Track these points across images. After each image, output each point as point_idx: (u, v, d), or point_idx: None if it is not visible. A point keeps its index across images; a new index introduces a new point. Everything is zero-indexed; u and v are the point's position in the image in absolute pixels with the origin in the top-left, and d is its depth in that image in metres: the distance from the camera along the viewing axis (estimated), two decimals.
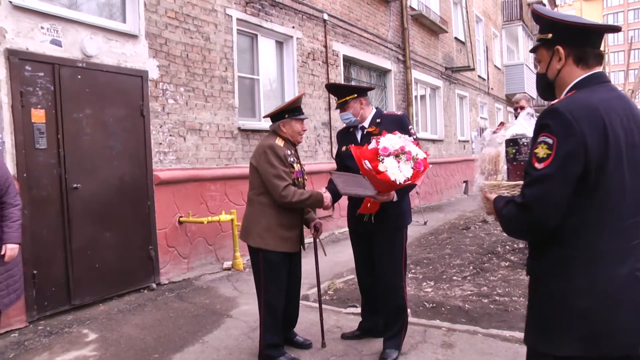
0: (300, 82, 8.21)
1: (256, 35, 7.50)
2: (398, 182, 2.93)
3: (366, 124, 3.53)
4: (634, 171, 1.59)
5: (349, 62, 9.96)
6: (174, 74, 5.86)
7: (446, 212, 11.78)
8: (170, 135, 5.79)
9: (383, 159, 2.96)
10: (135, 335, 4.12)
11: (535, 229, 1.60)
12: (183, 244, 5.90)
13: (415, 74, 12.52)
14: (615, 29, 1.78)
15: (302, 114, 3.54)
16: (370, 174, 2.99)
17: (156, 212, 5.52)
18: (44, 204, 4.48)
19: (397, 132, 3.16)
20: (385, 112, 3.61)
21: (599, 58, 1.69)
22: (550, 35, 1.72)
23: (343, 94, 3.50)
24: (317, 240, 3.71)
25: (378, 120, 3.50)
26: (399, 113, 3.62)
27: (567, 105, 1.56)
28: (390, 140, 3.03)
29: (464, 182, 15.79)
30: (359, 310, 4.59)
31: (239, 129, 6.85)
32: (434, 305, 4.67)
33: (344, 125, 3.68)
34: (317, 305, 4.72)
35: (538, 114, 2.13)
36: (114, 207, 5.07)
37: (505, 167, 2.03)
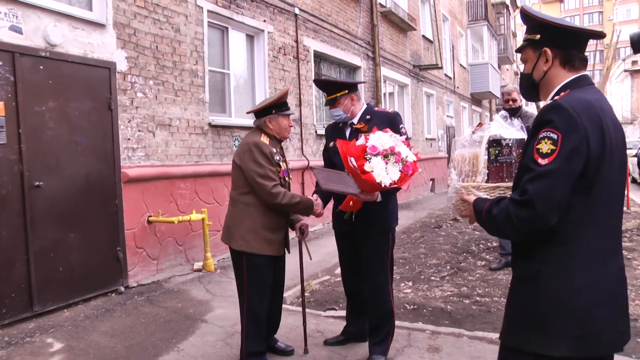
0: (271, 77, 8.02)
1: (227, 28, 7.26)
2: (383, 185, 2.78)
3: (355, 120, 3.40)
4: (620, 170, 1.63)
5: (319, 57, 9.83)
6: (143, 66, 5.57)
7: (415, 210, 11.82)
8: (139, 130, 5.50)
9: (370, 158, 2.80)
10: (104, 343, 3.86)
11: (537, 226, 1.57)
12: (152, 244, 5.64)
13: (385, 71, 12.50)
14: (600, 35, 1.80)
15: (289, 109, 3.39)
16: (355, 172, 2.83)
17: (124, 212, 5.24)
18: (2, 203, 4.15)
19: (388, 129, 3.03)
20: (376, 108, 3.49)
21: (584, 62, 1.71)
22: (538, 36, 1.73)
23: (333, 90, 3.35)
24: (303, 243, 3.56)
25: (368, 117, 3.38)
26: (391, 110, 3.50)
27: (570, 102, 1.56)
28: (381, 139, 2.88)
29: (431, 180, 15.93)
30: (338, 313, 4.50)
31: (210, 124, 6.61)
32: (415, 307, 4.61)
33: (333, 120, 3.55)
34: (295, 308, 4.60)
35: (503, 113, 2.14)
36: (79, 206, 4.77)
37: (485, 168, 1.97)
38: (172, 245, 5.95)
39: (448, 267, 6.00)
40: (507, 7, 26.37)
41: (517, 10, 33.97)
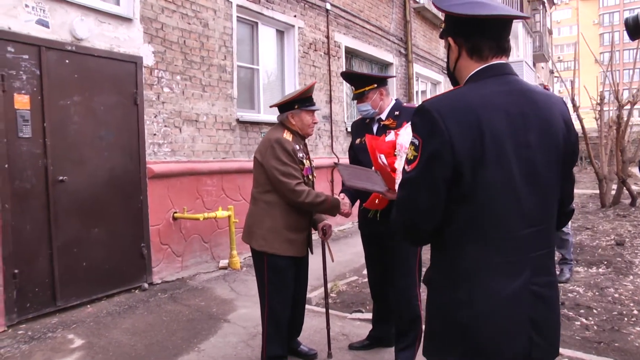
0: (301, 74, 7.89)
1: (256, 23, 7.16)
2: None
3: (383, 115, 3.23)
4: (531, 174, 1.43)
5: (350, 54, 9.64)
6: (170, 61, 5.51)
7: None
8: (165, 125, 5.44)
9: (402, 156, 2.64)
10: (125, 341, 3.80)
11: (410, 233, 1.53)
12: (177, 241, 5.58)
13: (417, 68, 12.22)
14: (520, 17, 1.59)
15: (314, 104, 3.23)
16: (384, 169, 2.64)
17: (149, 208, 5.19)
18: (27, 198, 4.14)
19: None
20: (405, 104, 3.31)
21: (500, 49, 1.52)
22: (443, 25, 1.60)
23: (362, 83, 3.18)
24: (325, 243, 3.40)
25: (396, 113, 3.20)
26: None
27: (435, 103, 1.44)
28: (411, 135, 2.70)
29: None
30: (365, 315, 4.33)
31: (238, 120, 6.52)
32: None
33: (359, 116, 3.39)
34: (320, 309, 4.45)
35: None
36: (103, 202, 4.74)
37: None
38: (198, 242, 5.88)
39: None
40: (543, 3, 25.56)
41: (554, 7, 33.01)
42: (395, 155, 2.64)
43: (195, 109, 5.84)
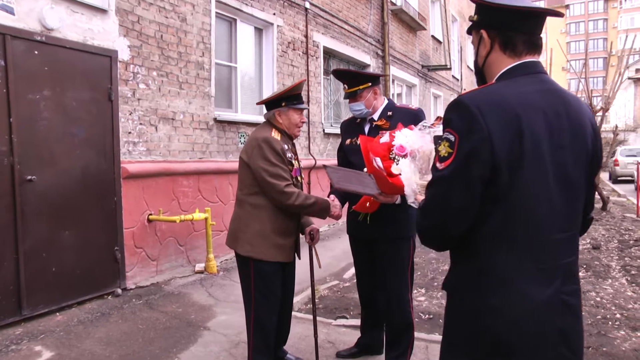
0: (279, 73, 7.73)
1: (235, 20, 6.96)
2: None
3: (376, 116, 3.10)
4: (563, 178, 1.39)
5: (328, 54, 9.54)
6: (147, 56, 5.27)
7: None
8: (141, 123, 5.20)
9: (398, 160, 2.50)
10: (99, 352, 3.56)
11: (437, 237, 1.44)
12: (152, 244, 5.34)
13: (394, 70, 12.20)
14: (555, 13, 1.50)
15: (302, 102, 3.07)
16: (379, 173, 2.50)
17: (123, 209, 4.93)
18: None
19: (412, 126, 2.72)
20: (398, 104, 3.19)
21: (533, 46, 1.47)
22: (476, 17, 1.52)
23: (356, 81, 3.04)
24: (313, 248, 3.25)
25: (389, 113, 3.08)
26: (414, 107, 3.18)
27: (474, 98, 1.36)
28: (408, 138, 2.54)
29: None
30: (350, 322, 4.21)
31: (215, 119, 6.31)
32: (431, 316, 4.32)
33: (350, 115, 3.26)
34: (303, 315, 4.31)
35: None
36: (75, 203, 4.47)
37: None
38: (173, 245, 5.65)
39: None
40: None
41: None
42: (391, 159, 2.51)
43: (171, 106, 5.62)
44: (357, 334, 3.81)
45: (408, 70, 13.35)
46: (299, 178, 3.07)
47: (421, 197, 1.71)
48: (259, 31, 7.55)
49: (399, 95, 13.33)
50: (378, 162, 2.50)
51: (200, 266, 5.78)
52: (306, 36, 8.42)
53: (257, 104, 3.27)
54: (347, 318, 4.35)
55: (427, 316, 4.32)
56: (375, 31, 11.30)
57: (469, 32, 1.61)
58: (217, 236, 6.16)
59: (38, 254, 4.17)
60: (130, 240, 5.03)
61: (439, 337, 3.79)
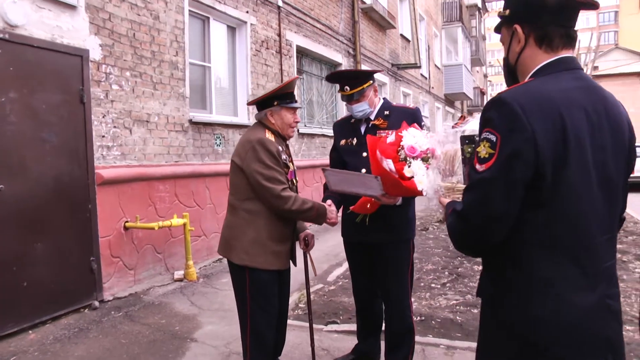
0: (253, 72, 7.55)
1: (208, 18, 6.75)
2: (425, 193, 2.24)
3: (372, 115, 2.99)
4: (605, 179, 1.33)
5: (301, 53, 9.41)
6: (119, 56, 5.02)
7: None
8: (115, 126, 4.95)
9: (410, 162, 2.39)
10: None
11: (476, 243, 1.36)
12: (129, 253, 5.09)
13: (365, 69, 12.16)
14: (591, 5, 1.41)
15: (295, 101, 2.93)
16: (389, 176, 2.39)
17: (98, 217, 4.68)
18: None
19: (416, 125, 2.62)
20: (394, 103, 3.10)
21: (570, 39, 1.40)
22: (507, 12, 1.43)
23: (359, 81, 2.91)
24: (308, 255, 3.11)
25: (386, 113, 2.97)
26: (412, 106, 3.09)
27: (516, 95, 1.28)
28: (416, 138, 2.42)
29: None
30: (342, 327, 4.11)
31: (190, 121, 6.10)
32: (423, 318, 4.25)
33: (345, 115, 3.15)
34: (293, 322, 4.16)
35: None
36: (46, 213, 4.20)
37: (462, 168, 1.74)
38: (151, 253, 5.42)
39: (446, 272, 5.68)
40: (479, 9, 26.53)
41: (487, 14, 34.39)
42: (403, 162, 2.39)
43: (146, 108, 5.38)
44: (350, 340, 3.72)
45: (378, 69, 13.33)
46: (294, 181, 2.93)
47: (446, 200, 1.62)
48: (232, 30, 7.36)
49: None
50: (390, 164, 2.38)
51: (179, 274, 5.56)
52: (279, 35, 8.26)
53: (248, 104, 3.09)
54: (337, 323, 4.24)
55: (418, 318, 4.25)
56: (346, 30, 11.24)
57: (498, 29, 1.52)
58: (195, 242, 5.95)
59: (7, 268, 3.89)
60: (106, 249, 4.77)
61: (435, 340, 3.76)
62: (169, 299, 4.89)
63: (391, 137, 2.51)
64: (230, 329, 4.06)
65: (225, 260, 6.43)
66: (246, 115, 7.35)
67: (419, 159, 2.37)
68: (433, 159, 2.38)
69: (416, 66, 15.15)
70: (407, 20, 15.72)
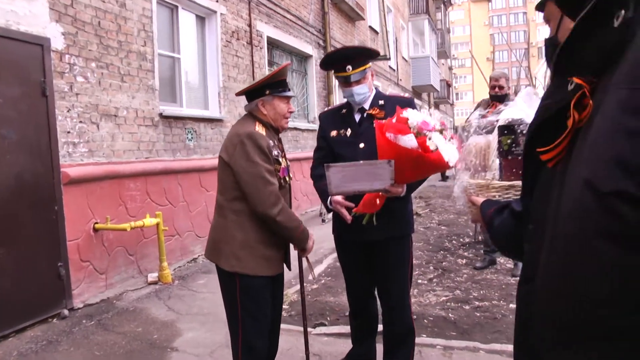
0: (224, 64, 7.26)
1: (177, 7, 6.42)
2: (451, 164, 2.24)
3: (367, 105, 2.80)
4: None
5: (271, 44, 9.14)
6: (84, 45, 4.67)
7: None
8: (81, 121, 4.61)
9: (430, 135, 2.25)
10: None
11: None
12: (99, 256, 4.77)
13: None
14: None
15: (289, 89, 2.70)
16: (411, 154, 2.23)
17: (65, 219, 4.34)
18: None
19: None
20: (388, 93, 2.94)
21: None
22: None
23: (362, 60, 2.70)
24: (304, 259, 2.91)
25: (381, 102, 2.79)
26: (407, 96, 2.93)
27: None
28: (422, 115, 2.33)
29: None
30: (330, 329, 3.93)
31: (161, 115, 5.78)
32: (415, 316, 4.09)
33: (338, 104, 2.95)
34: (282, 326, 3.96)
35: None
36: (8, 216, 3.85)
37: (497, 162, 1.59)
38: (122, 255, 5.10)
39: (431, 267, 5.58)
40: (444, 2, 26.71)
41: (451, 7, 34.73)
42: (423, 136, 2.24)
43: (113, 101, 5.04)
44: (341, 343, 3.57)
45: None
46: (287, 178, 2.71)
47: (479, 199, 1.45)
48: (201, 20, 7.04)
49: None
50: (411, 139, 2.22)
51: (153, 276, 5.27)
52: (250, 25, 7.98)
53: (237, 94, 2.84)
54: (325, 325, 4.06)
55: None
56: (316, 21, 11.02)
57: (541, 5, 1.34)
58: (168, 241, 5.66)
59: None
60: (75, 253, 4.44)
61: (429, 340, 3.61)
62: (144, 304, 4.60)
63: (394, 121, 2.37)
64: (213, 335, 3.83)
65: (200, 260, 6.23)
66: (217, 109, 7.06)
67: (435, 132, 2.25)
68: (446, 131, 2.31)
69: (386, 58, 15.06)
70: (375, 11, 15.61)
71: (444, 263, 5.70)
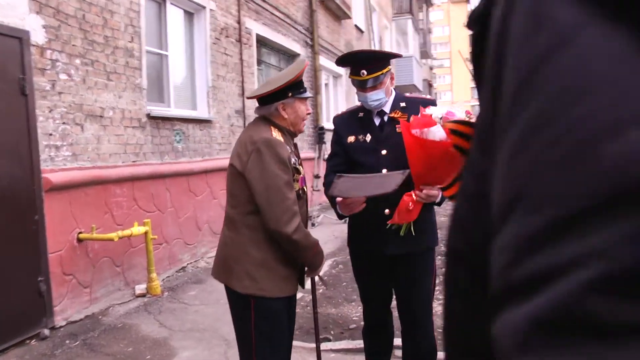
0: (213, 62, 6.93)
1: (165, 1, 6.08)
2: None
3: (387, 108, 2.58)
4: None
5: (260, 42, 8.84)
6: (67, 40, 4.31)
7: None
8: (64, 122, 4.24)
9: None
10: None
11: None
12: (84, 268, 4.41)
13: (322, 60, 11.73)
14: None
15: (306, 89, 2.45)
16: (443, 147, 2.06)
17: (47, 229, 3.98)
18: None
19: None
20: (407, 94, 2.71)
21: None
22: None
23: (379, 65, 2.48)
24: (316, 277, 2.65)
25: (403, 105, 2.58)
26: (429, 97, 2.72)
27: None
28: (441, 109, 2.23)
29: None
30: (336, 345, 3.71)
31: (148, 116, 5.44)
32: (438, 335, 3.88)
33: (354, 107, 2.73)
34: None
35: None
36: None
37: None
38: (108, 266, 4.75)
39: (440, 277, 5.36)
40: (426, 2, 26.71)
41: (432, 7, 34.81)
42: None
43: (99, 101, 4.69)
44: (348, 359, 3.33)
45: (334, 60, 12.95)
46: (304, 189, 2.45)
47: None
48: (189, 15, 6.70)
49: (327, 85, 12.91)
50: (439, 130, 2.09)
51: (141, 288, 4.93)
52: (239, 22, 7.67)
53: (251, 98, 2.51)
54: (330, 340, 3.82)
55: None
56: (304, 19, 10.75)
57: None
58: (156, 250, 5.33)
59: None
60: (57, 266, 4.08)
61: (442, 356, 3.40)
62: (133, 319, 4.27)
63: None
64: (211, 354, 3.54)
65: (189, 269, 5.90)
66: (206, 109, 6.74)
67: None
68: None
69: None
70: (360, 10, 15.42)
71: (443, 268, 5.50)
